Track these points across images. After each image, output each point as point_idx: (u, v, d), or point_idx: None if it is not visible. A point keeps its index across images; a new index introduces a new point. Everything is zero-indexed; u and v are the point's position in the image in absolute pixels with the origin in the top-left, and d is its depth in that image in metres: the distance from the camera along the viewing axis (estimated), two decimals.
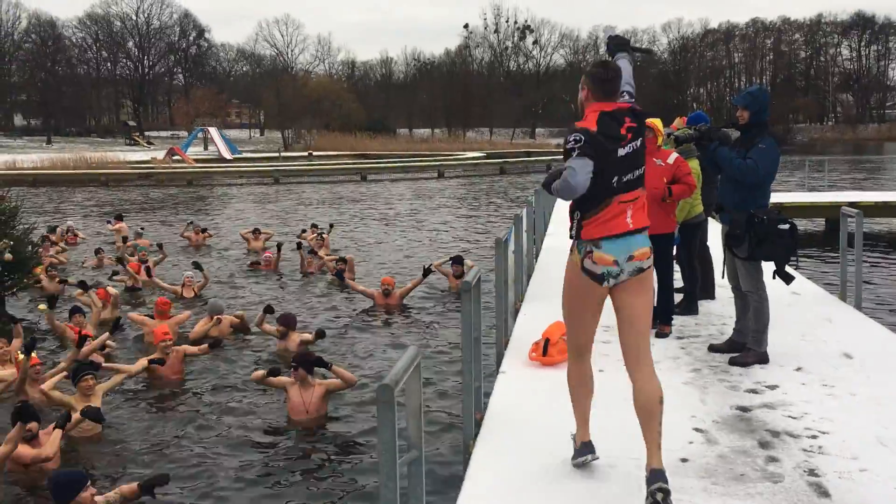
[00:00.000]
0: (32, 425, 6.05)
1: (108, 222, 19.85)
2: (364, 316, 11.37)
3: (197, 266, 13.20)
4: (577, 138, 3.54)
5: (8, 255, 10.84)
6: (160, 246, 15.38)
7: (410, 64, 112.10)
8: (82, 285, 11.28)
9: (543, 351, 5.84)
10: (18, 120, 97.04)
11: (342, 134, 76.48)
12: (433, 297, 12.40)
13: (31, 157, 50.69)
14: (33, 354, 7.52)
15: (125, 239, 17.83)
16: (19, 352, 7.84)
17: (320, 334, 9.15)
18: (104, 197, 33.17)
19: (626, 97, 3.86)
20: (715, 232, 7.32)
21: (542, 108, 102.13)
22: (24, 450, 6.02)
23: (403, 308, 11.66)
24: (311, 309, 11.76)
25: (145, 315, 10.29)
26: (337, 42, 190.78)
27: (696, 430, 4.51)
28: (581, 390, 3.92)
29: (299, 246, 14.85)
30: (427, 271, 12.03)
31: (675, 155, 6.52)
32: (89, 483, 5.21)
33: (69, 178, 41.00)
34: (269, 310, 9.62)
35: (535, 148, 71.58)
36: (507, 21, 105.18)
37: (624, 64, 4.05)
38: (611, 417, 4.29)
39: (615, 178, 3.59)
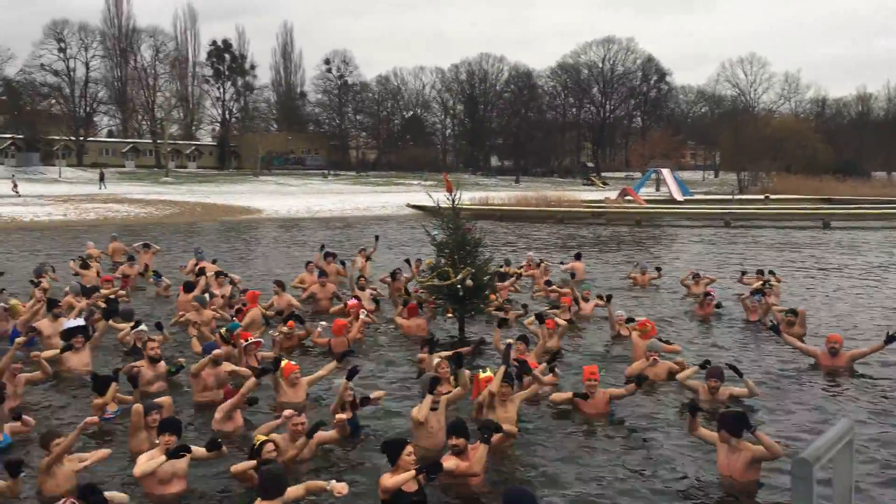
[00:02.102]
0: (460, 441, 6.64)
1: (562, 262, 20.61)
2: (803, 375, 10.34)
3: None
4: None
5: (469, 282, 12.15)
6: (609, 299, 15.71)
7: (893, 100, 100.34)
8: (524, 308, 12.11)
9: None
10: (494, 161, 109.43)
11: (805, 176, 71.29)
12: None
13: (500, 194, 56.57)
14: None
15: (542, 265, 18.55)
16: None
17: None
18: (558, 232, 35.40)
19: None
20: None
21: None
22: (453, 462, 6.52)
23: (853, 372, 10.33)
24: (743, 359, 10.99)
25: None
26: (806, 79, 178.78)
27: None
28: None
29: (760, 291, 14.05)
30: (890, 338, 10.24)
31: None
32: None
33: (529, 215, 44.64)
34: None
35: None
36: None
37: None
38: None
39: None
